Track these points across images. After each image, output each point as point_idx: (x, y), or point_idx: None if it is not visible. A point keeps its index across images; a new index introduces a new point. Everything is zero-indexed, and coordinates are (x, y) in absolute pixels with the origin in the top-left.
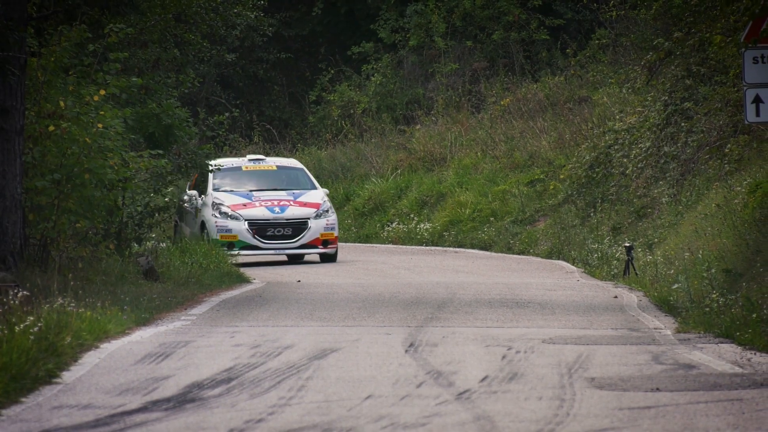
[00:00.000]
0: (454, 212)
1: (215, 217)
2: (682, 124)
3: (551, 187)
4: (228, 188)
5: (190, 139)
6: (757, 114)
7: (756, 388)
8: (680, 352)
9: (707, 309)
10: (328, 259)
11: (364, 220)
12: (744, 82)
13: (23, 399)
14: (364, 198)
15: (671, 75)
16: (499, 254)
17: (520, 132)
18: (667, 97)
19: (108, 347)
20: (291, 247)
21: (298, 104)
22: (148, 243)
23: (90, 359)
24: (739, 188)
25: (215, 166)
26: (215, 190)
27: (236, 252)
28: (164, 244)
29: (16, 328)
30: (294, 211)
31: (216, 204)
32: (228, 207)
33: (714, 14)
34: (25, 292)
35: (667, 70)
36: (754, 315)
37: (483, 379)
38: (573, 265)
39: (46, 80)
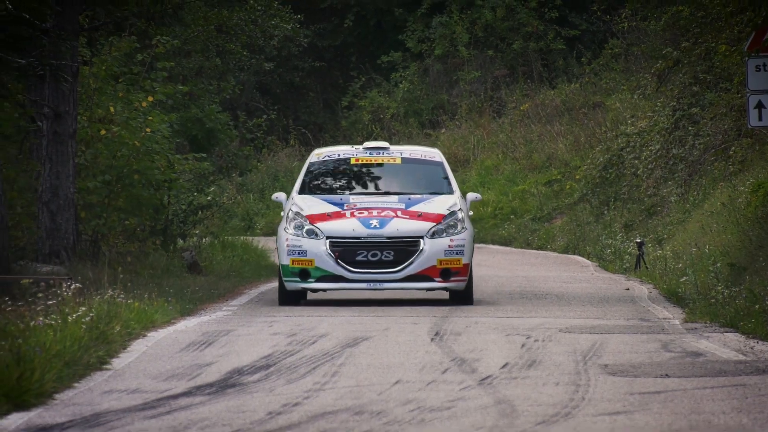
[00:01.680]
0: (476, 210)
1: (287, 231)
2: (690, 128)
3: (567, 186)
4: (322, 189)
5: (231, 141)
6: (760, 118)
7: (759, 375)
8: (688, 341)
9: (713, 300)
10: (457, 297)
11: None
12: (747, 88)
13: (76, 384)
14: None
15: (679, 82)
16: (519, 249)
17: (539, 135)
18: (675, 103)
19: (155, 336)
20: (391, 278)
21: (331, 109)
22: (191, 239)
23: (138, 347)
24: (742, 188)
25: (317, 156)
26: (301, 192)
27: (311, 285)
28: (207, 240)
29: (69, 318)
30: (398, 226)
31: (293, 213)
32: (305, 218)
33: (719, 25)
34: (77, 285)
35: (675, 78)
36: (757, 306)
37: (504, 366)
38: (588, 259)
39: (98, 87)
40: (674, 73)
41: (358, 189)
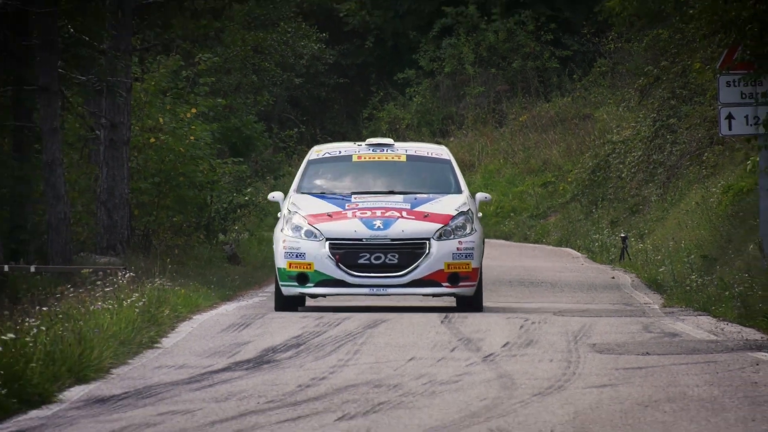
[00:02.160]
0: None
1: (284, 233)
2: (668, 136)
3: (560, 188)
4: (322, 188)
5: (266, 148)
6: (730, 128)
7: (728, 353)
8: (666, 323)
9: (688, 288)
10: (465, 304)
11: None
12: (719, 102)
13: (130, 361)
14: None
15: (659, 96)
16: (518, 243)
17: (535, 143)
18: (655, 115)
19: (199, 318)
20: (395, 283)
21: (353, 120)
22: (231, 234)
23: (184, 328)
24: (714, 189)
25: (317, 153)
26: (300, 191)
27: (309, 290)
28: (244, 235)
29: (124, 303)
30: (403, 227)
31: (290, 213)
32: (304, 218)
33: (694, 46)
34: (131, 274)
35: (655, 93)
36: (727, 293)
37: (504, 345)
38: (578, 252)
39: (148, 100)
40: (654, 88)
41: (361, 188)
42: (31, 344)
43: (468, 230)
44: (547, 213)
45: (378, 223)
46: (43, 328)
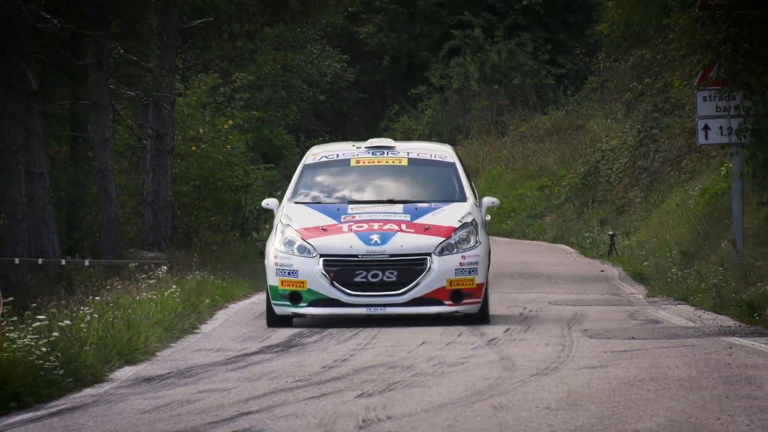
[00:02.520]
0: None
1: (275, 247)
2: (651, 145)
3: (555, 191)
4: (317, 196)
5: (293, 156)
6: (706, 138)
7: (704, 337)
8: (649, 311)
9: (669, 280)
10: (473, 320)
11: None
12: (696, 114)
13: (172, 345)
14: None
15: (643, 109)
16: (517, 240)
17: (533, 151)
18: (639, 126)
19: (234, 307)
20: (394, 302)
21: (372, 131)
22: (263, 232)
23: (221, 315)
24: (692, 192)
25: (313, 157)
26: (294, 199)
27: (303, 309)
28: None
29: (166, 293)
30: (402, 242)
31: (283, 225)
32: (296, 231)
33: (674, 65)
34: (173, 267)
35: (640, 106)
36: (703, 284)
37: (506, 331)
38: (571, 248)
39: (190, 113)
40: (639, 102)
41: (358, 196)
42: (85, 330)
43: (472, 243)
44: (543, 213)
45: (375, 237)
46: (96, 316)
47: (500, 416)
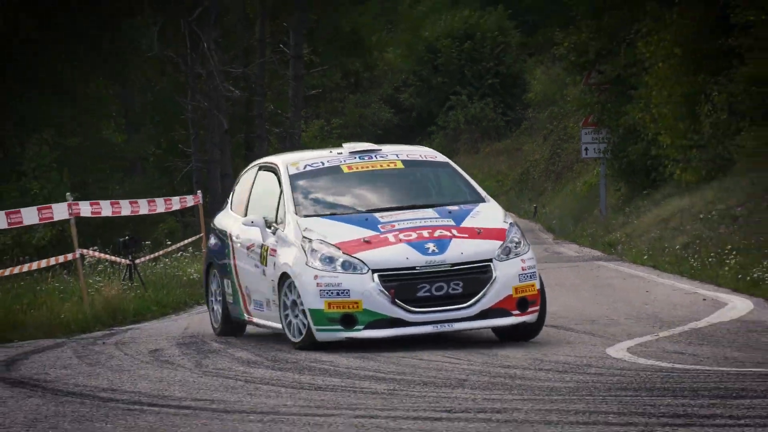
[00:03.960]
0: None
1: (312, 267)
2: (557, 158)
3: (505, 183)
4: (329, 208)
5: None
6: (586, 154)
7: (584, 261)
8: (555, 248)
9: (567, 231)
10: (525, 332)
11: None
12: (581, 141)
13: None
14: None
15: (552, 139)
16: None
17: (493, 162)
18: (550, 148)
19: None
20: (462, 316)
21: None
22: None
23: None
24: (579, 183)
25: (295, 167)
26: (301, 213)
27: (360, 334)
28: None
29: None
30: (462, 248)
31: (311, 242)
32: (334, 246)
33: (570, 115)
34: None
35: (551, 137)
36: (585, 233)
37: None
38: (514, 214)
39: (308, 141)
40: (551, 135)
41: (377, 203)
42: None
43: (524, 245)
44: (498, 195)
45: (431, 246)
46: None
47: None
